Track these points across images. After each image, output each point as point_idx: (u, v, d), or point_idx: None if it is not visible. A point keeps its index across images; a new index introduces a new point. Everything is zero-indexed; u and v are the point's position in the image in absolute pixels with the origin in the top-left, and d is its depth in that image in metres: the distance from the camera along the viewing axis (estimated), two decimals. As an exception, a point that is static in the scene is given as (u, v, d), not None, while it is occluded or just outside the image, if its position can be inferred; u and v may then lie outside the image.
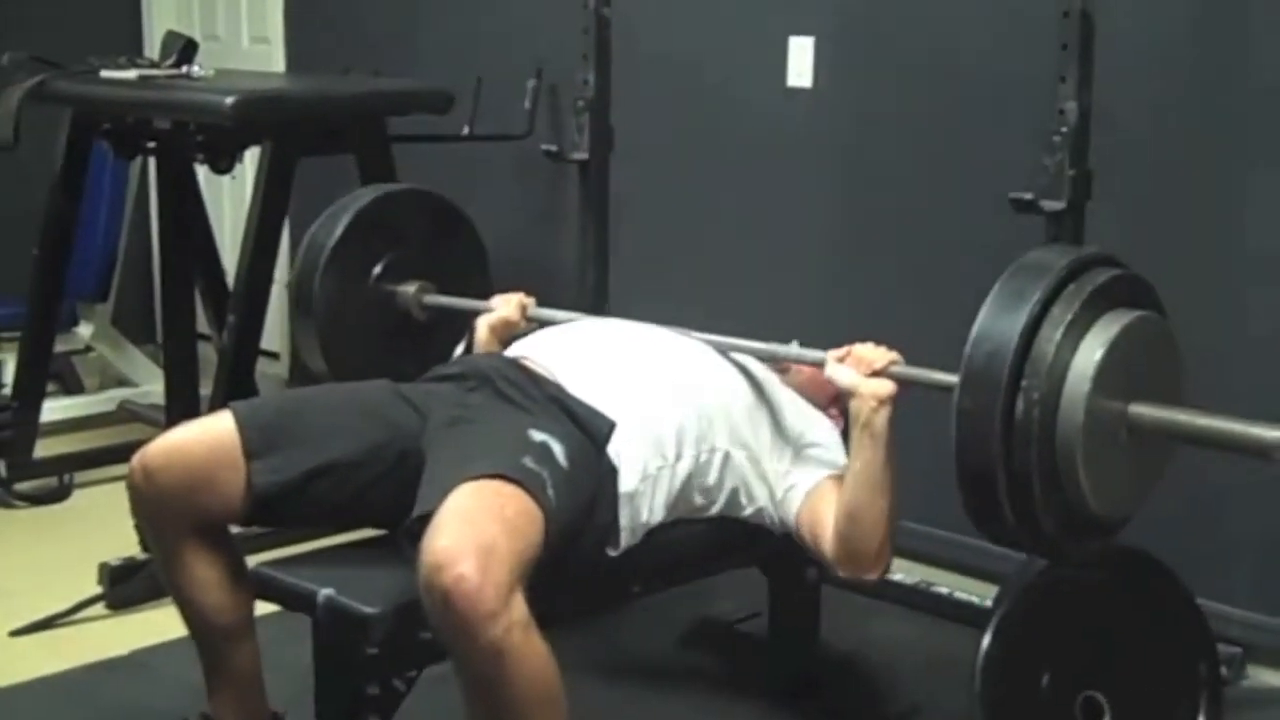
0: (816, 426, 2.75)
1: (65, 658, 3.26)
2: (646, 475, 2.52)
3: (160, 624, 3.21)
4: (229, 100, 3.63)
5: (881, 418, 2.48)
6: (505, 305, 3.05)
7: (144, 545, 3.40)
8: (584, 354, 2.69)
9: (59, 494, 4.34)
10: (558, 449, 2.34)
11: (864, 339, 2.60)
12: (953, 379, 2.26)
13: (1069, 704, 2.49)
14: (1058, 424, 2.18)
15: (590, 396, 2.52)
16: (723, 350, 2.76)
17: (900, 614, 3.45)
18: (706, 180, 4.06)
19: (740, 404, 2.67)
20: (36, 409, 4.36)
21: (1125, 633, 2.54)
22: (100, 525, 3.84)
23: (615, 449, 2.49)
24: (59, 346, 4.59)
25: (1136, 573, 2.60)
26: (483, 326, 3.03)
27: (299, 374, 5.35)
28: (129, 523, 3.27)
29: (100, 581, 3.53)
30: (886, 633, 3.39)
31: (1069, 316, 2.19)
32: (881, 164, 3.72)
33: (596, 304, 3.57)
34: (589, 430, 2.46)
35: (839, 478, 2.60)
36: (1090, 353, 2.18)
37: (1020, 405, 2.16)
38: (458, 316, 3.19)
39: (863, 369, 2.52)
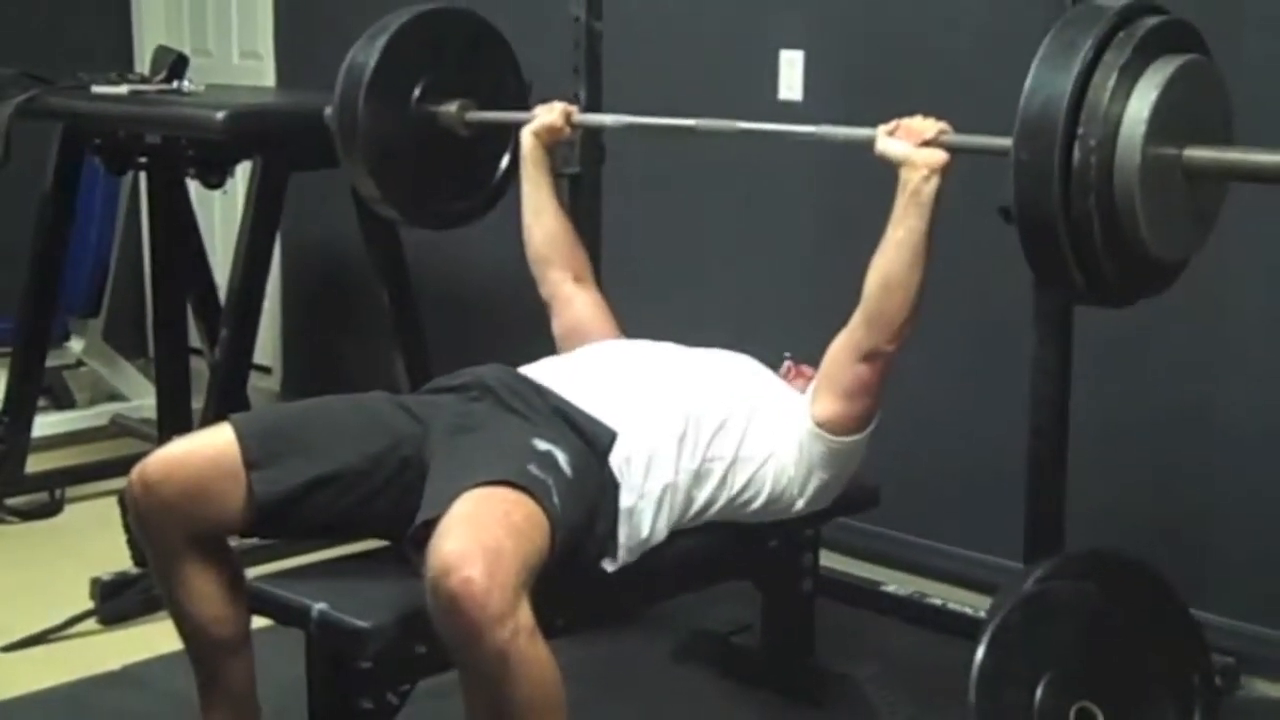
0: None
1: (57, 673, 3.25)
2: (646, 493, 2.52)
3: (152, 638, 3.22)
4: (220, 115, 3.63)
5: (931, 186, 2.53)
6: (549, 112, 3.14)
7: (136, 560, 3.42)
8: (587, 368, 2.71)
9: (50, 509, 4.33)
10: (562, 458, 2.35)
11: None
12: (1006, 142, 2.26)
13: (1063, 715, 2.48)
14: (1115, 169, 2.18)
15: (592, 408, 2.53)
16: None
17: (894, 626, 3.44)
18: (698, 194, 4.06)
19: (742, 413, 2.67)
20: (28, 424, 4.35)
21: (1119, 643, 2.54)
22: (92, 540, 3.84)
23: (617, 462, 2.49)
24: (50, 361, 4.58)
25: (1131, 583, 2.60)
26: (527, 135, 3.13)
27: (292, 385, 5.36)
28: (121, 537, 3.28)
29: (92, 596, 3.52)
30: (880, 644, 3.39)
31: (1121, 62, 2.19)
32: (872, 177, 3.70)
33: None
34: (591, 440, 2.46)
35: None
36: (1144, 98, 2.18)
37: (1077, 153, 2.17)
38: (502, 131, 3.29)
39: (914, 139, 2.56)
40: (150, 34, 5.71)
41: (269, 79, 5.33)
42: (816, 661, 3.15)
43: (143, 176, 4.49)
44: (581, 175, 3.54)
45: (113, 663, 3.29)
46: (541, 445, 2.36)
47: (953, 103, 3.51)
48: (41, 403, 4.56)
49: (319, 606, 2.33)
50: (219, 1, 5.60)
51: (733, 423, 2.64)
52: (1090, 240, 2.20)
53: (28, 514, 4.29)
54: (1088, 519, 2.91)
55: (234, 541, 2.52)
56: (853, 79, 3.74)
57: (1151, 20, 2.26)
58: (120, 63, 5.22)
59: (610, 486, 2.47)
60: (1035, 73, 2.22)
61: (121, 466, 4.04)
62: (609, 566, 2.50)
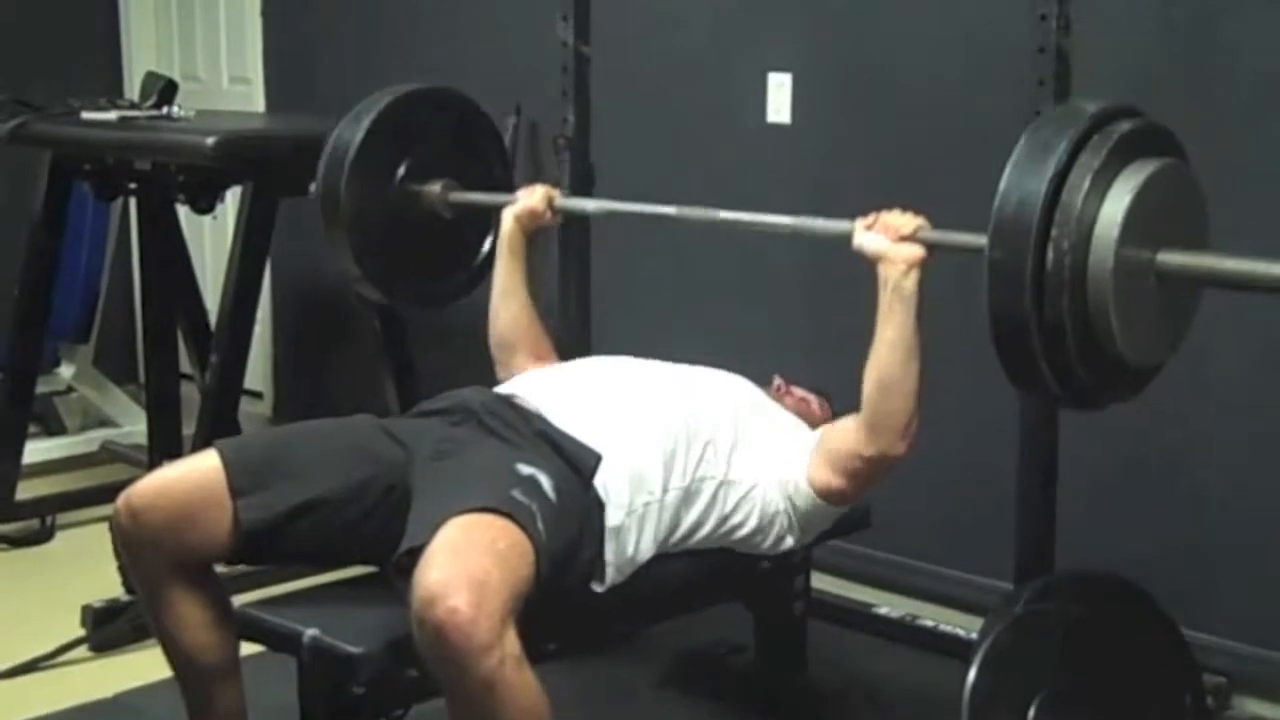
0: (807, 440, 2.76)
1: (48, 701, 3.24)
2: (633, 510, 2.52)
3: (144, 666, 3.21)
4: (210, 141, 3.64)
5: (911, 280, 2.51)
6: (531, 195, 3.11)
7: (127, 587, 3.41)
8: (571, 390, 2.70)
9: (41, 536, 4.32)
10: (546, 482, 2.35)
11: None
12: (981, 239, 2.26)
13: (1055, 735, 2.49)
14: (1089, 272, 2.18)
15: (576, 430, 2.53)
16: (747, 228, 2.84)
17: (886, 647, 3.45)
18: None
19: (729, 432, 2.67)
20: (18, 450, 4.34)
21: (1111, 664, 2.54)
22: (83, 567, 3.83)
23: (602, 483, 2.49)
24: (41, 387, 4.58)
25: (1121, 604, 2.61)
26: (509, 218, 3.10)
27: (283, 411, 5.36)
28: (112, 564, 3.28)
29: (83, 624, 3.52)
30: (872, 666, 3.39)
31: (1096, 165, 2.19)
32: (860, 199, 3.70)
33: (579, 341, 3.57)
34: (575, 464, 2.46)
35: (833, 424, 2.65)
36: (1118, 200, 2.19)
37: (1051, 254, 2.17)
38: (484, 212, 3.27)
39: (891, 235, 2.55)
40: (140, 60, 5.72)
41: (259, 104, 5.34)
42: (809, 683, 3.15)
43: (132, 202, 4.49)
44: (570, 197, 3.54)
45: (104, 691, 3.28)
46: (525, 470, 2.36)
47: (939, 124, 3.54)
48: (32, 429, 4.54)
49: (310, 632, 2.33)
50: (208, 27, 5.61)
51: (722, 442, 2.64)
52: (1063, 343, 2.19)
53: (18, 541, 4.29)
54: (1077, 540, 2.91)
55: (222, 568, 2.51)
56: (841, 102, 3.75)
57: (1127, 124, 2.26)
58: (110, 89, 5.23)
59: (596, 508, 2.47)
60: (1010, 173, 2.22)
61: (112, 493, 4.00)
62: (598, 587, 2.49)
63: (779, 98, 3.83)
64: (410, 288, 3.39)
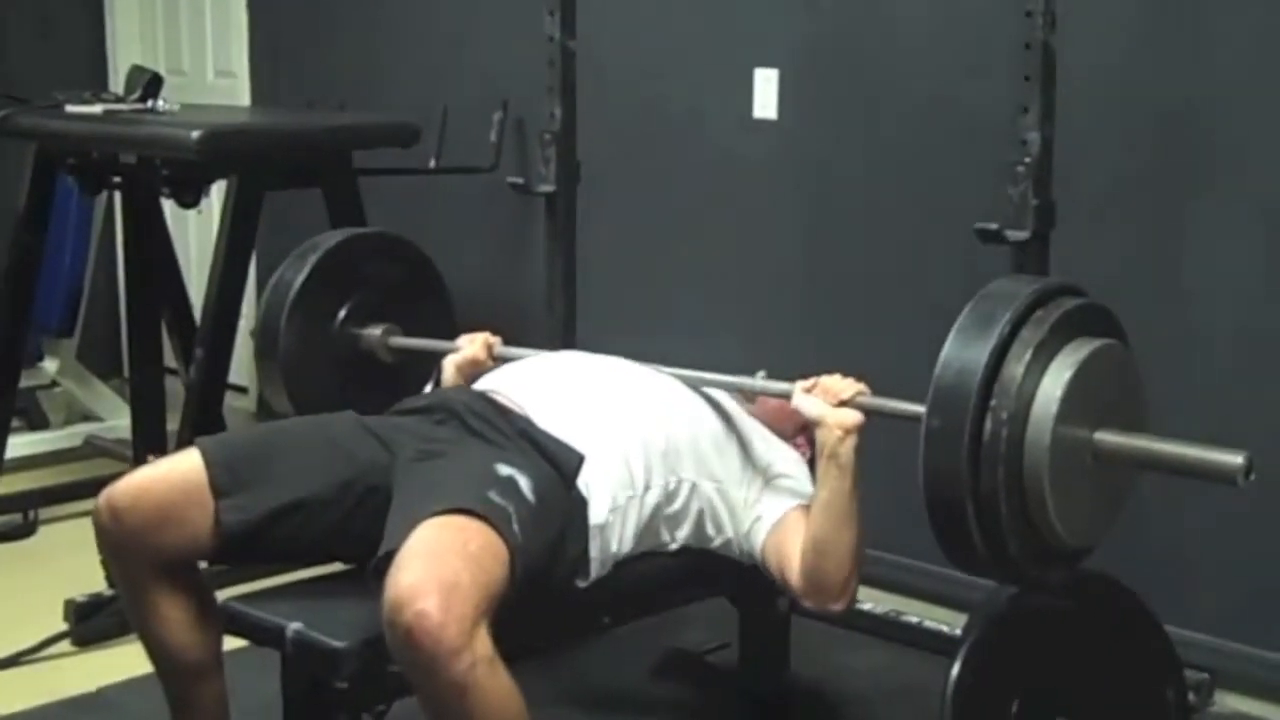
0: (784, 457, 2.76)
1: (31, 695, 3.23)
2: (616, 506, 2.52)
3: (127, 661, 3.19)
4: (194, 134, 3.62)
5: (847, 447, 2.49)
6: (471, 345, 3.04)
7: (110, 581, 3.39)
8: (552, 388, 2.70)
9: (24, 530, 4.31)
10: (525, 483, 2.34)
11: (830, 368, 2.61)
12: (919, 408, 2.27)
13: (1038, 731, 2.49)
14: (1025, 445, 2.19)
15: (559, 429, 2.53)
16: (691, 384, 2.76)
17: (870, 643, 3.45)
18: (673, 212, 4.07)
19: (707, 435, 2.68)
20: (1, 445, 4.32)
21: (1094, 659, 2.55)
22: (66, 561, 3.82)
23: (585, 481, 2.49)
24: (24, 382, 4.56)
25: (1104, 599, 2.61)
26: (449, 367, 3.02)
27: (266, 409, 5.35)
28: (95, 559, 3.25)
29: (66, 618, 3.51)
30: (857, 662, 3.40)
31: (1037, 340, 2.21)
32: (847, 195, 3.74)
33: (564, 336, 3.57)
34: (558, 463, 2.46)
35: (806, 508, 2.61)
36: (1058, 377, 2.20)
37: (989, 425, 2.18)
38: (424, 358, 3.19)
39: (830, 399, 2.53)
40: (125, 53, 5.71)
41: (244, 98, 5.33)
42: (794, 679, 3.15)
43: (117, 196, 4.48)
44: (556, 194, 3.54)
45: (87, 685, 3.28)
46: (504, 471, 2.36)
47: (925, 119, 3.54)
48: (15, 423, 4.53)
49: (294, 627, 2.33)
50: (193, 21, 5.59)
51: (700, 444, 2.65)
52: (996, 515, 2.19)
53: (1, 535, 4.27)
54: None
55: (205, 564, 2.51)
56: (828, 97, 3.75)
57: (1069, 302, 2.28)
58: (95, 82, 5.20)
59: (579, 506, 2.47)
60: (951, 343, 2.23)
61: (96, 487, 3.98)
62: (582, 583, 2.50)
63: (766, 93, 3.83)
64: None
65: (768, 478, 2.70)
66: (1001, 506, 2.19)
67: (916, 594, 3.61)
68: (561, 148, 3.48)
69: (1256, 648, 3.16)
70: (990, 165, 2.92)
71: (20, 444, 4.65)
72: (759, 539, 2.64)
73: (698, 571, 2.75)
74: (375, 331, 3.25)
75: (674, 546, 2.67)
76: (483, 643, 2.08)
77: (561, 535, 2.42)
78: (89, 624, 3.50)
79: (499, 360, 3.03)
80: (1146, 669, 2.64)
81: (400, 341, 3.25)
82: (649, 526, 2.59)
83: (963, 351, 2.22)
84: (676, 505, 2.62)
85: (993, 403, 2.18)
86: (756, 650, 3.08)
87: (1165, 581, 3.01)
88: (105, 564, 3.31)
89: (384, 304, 3.29)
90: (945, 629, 3.35)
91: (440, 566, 2.09)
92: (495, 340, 3.05)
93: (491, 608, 2.13)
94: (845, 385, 2.55)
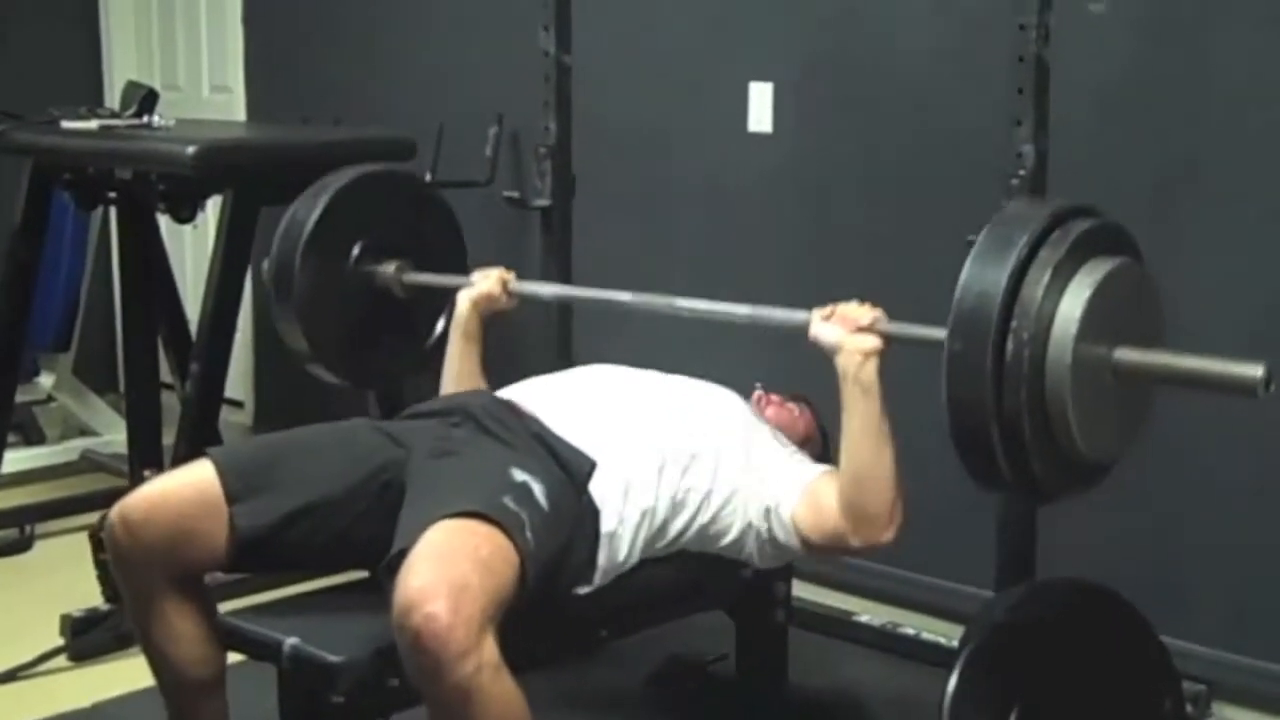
0: (797, 452, 2.77)
1: (28, 710, 3.22)
2: (626, 517, 2.53)
3: (123, 675, 3.20)
4: (190, 150, 3.63)
5: (869, 370, 2.50)
6: (486, 280, 3.07)
7: (106, 596, 3.41)
8: (567, 397, 2.71)
9: (21, 545, 4.30)
10: (538, 489, 2.35)
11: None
12: (939, 333, 2.28)
13: (1035, 743, 2.49)
14: (1047, 365, 2.20)
15: (572, 436, 2.53)
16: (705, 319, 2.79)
17: (868, 655, 3.45)
18: (669, 226, 4.08)
19: (721, 438, 2.68)
20: (-3, 460, 4.33)
21: (1091, 671, 2.55)
22: (62, 576, 3.82)
23: (595, 489, 2.49)
24: (20, 396, 4.56)
25: (1102, 611, 2.61)
26: (464, 300, 3.06)
27: (264, 420, 5.35)
28: (91, 573, 3.27)
29: (62, 633, 3.50)
30: (854, 674, 3.40)
31: (1055, 260, 2.21)
32: (842, 209, 3.74)
33: (560, 350, 3.57)
34: (570, 469, 2.47)
35: (832, 473, 2.61)
36: (1077, 296, 2.21)
37: (1010, 346, 2.19)
38: (439, 294, 3.23)
39: (848, 326, 2.54)
40: (120, 69, 5.72)
41: (240, 113, 5.33)
42: (790, 691, 3.15)
43: (113, 211, 4.48)
44: (551, 208, 3.55)
45: (83, 700, 3.27)
46: (519, 476, 2.36)
47: (921, 132, 3.55)
48: (11, 438, 4.53)
49: (291, 641, 2.33)
50: (189, 36, 5.60)
51: (707, 456, 2.64)
52: (1020, 435, 2.20)
53: (-3, 550, 4.28)
54: (1057, 548, 2.92)
55: (205, 577, 2.50)
56: (823, 111, 3.76)
57: (1085, 223, 2.29)
58: (90, 98, 5.21)
59: (590, 513, 2.48)
60: (970, 267, 2.24)
61: (92, 502, 4.03)
62: (583, 590, 2.50)
63: (760, 107, 3.84)
64: (359, 367, 3.37)
65: (785, 466, 2.70)
66: (1025, 426, 2.20)
67: (914, 606, 3.61)
68: (557, 162, 3.48)
69: (1254, 659, 3.16)
70: (986, 178, 2.93)
71: (17, 459, 4.65)
72: (787, 512, 2.62)
73: (696, 584, 2.76)
74: (389, 268, 3.27)
75: (680, 544, 2.65)
76: (489, 647, 2.08)
77: (570, 541, 2.42)
78: (85, 639, 3.49)
79: (513, 296, 3.06)
80: (1144, 680, 2.64)
81: (414, 277, 3.27)
82: (659, 533, 2.59)
83: (982, 274, 2.23)
84: (684, 514, 2.62)
85: (1013, 324, 2.19)
86: (754, 662, 3.08)
87: (1163, 593, 3.01)
88: (102, 578, 3.33)
89: (397, 241, 3.31)
90: (942, 641, 3.35)
91: (450, 570, 2.09)
92: (510, 275, 3.08)
93: (500, 613, 2.13)
94: (863, 312, 2.56)
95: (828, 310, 2.60)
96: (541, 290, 3.20)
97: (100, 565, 3.39)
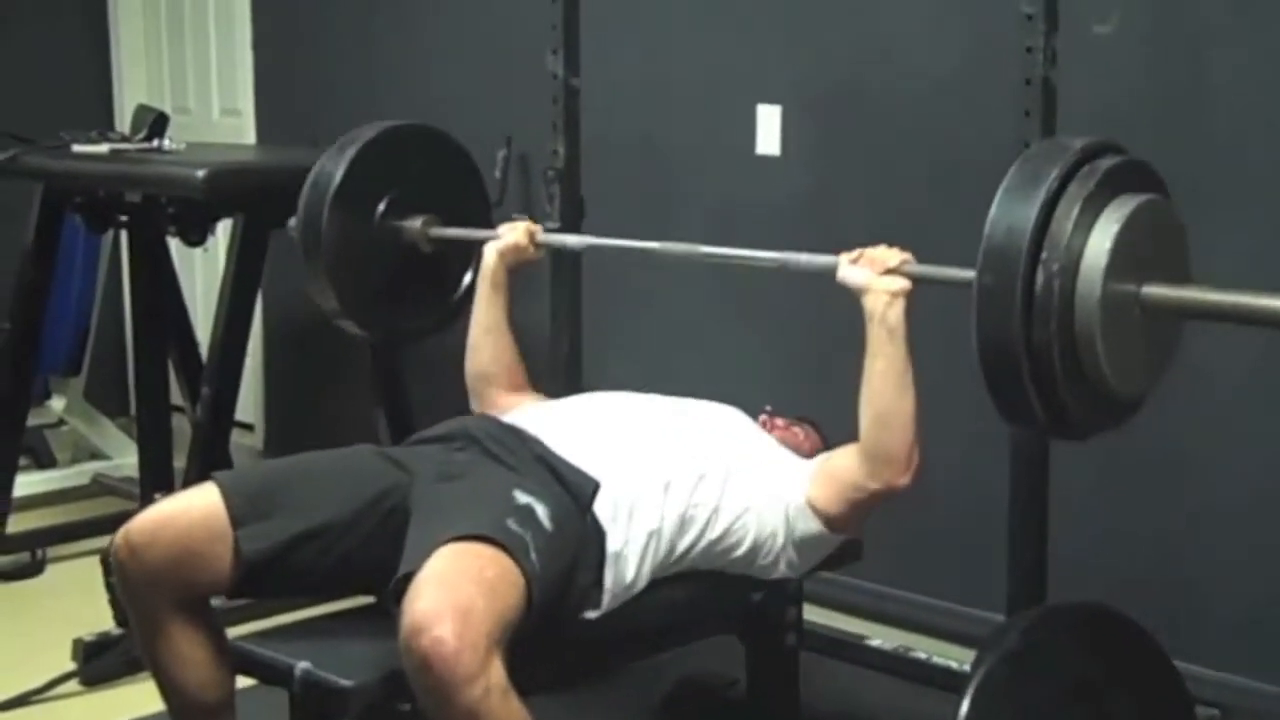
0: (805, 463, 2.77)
1: (39, 735, 3.24)
2: (632, 538, 2.52)
3: (135, 700, 3.20)
4: (200, 173, 3.65)
5: (896, 310, 2.52)
6: (513, 231, 3.12)
7: (118, 620, 3.41)
8: (570, 421, 2.71)
9: (32, 569, 4.31)
10: (541, 511, 2.35)
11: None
12: (966, 273, 2.28)
13: (1048, 768, 2.49)
14: (1076, 299, 2.19)
15: (576, 458, 2.54)
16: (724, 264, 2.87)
17: (879, 679, 3.43)
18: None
19: (730, 455, 2.68)
20: (9, 484, 4.33)
21: (1103, 695, 2.54)
22: (74, 600, 3.83)
23: (600, 510, 2.49)
24: (31, 420, 4.57)
25: (1113, 635, 2.61)
26: (491, 253, 3.11)
27: (274, 443, 5.35)
28: (103, 598, 3.27)
29: (74, 658, 3.51)
30: (866, 698, 3.39)
31: (1085, 195, 2.21)
32: (850, 231, 3.72)
33: (569, 372, 3.57)
34: (573, 491, 2.47)
35: (832, 453, 2.65)
36: (1105, 232, 2.20)
37: (1040, 278, 2.18)
38: (465, 248, 3.29)
39: (876, 268, 2.56)
40: (131, 93, 5.73)
41: (249, 136, 5.35)
42: (801, 716, 3.14)
43: (124, 235, 4.50)
44: (561, 229, 3.55)
45: (95, 725, 3.28)
46: (522, 499, 2.36)
47: (928, 154, 3.55)
48: (22, 462, 4.55)
49: (302, 665, 2.32)
50: (199, 60, 5.62)
51: (715, 472, 2.64)
52: (1050, 368, 2.20)
53: (9, 574, 4.28)
54: (1069, 572, 2.91)
55: (216, 601, 2.50)
56: (831, 134, 3.76)
57: (1113, 159, 2.29)
58: (101, 122, 5.24)
59: (594, 535, 2.47)
60: (1000, 201, 2.24)
61: (104, 526, 4.03)
62: (592, 614, 2.49)
63: (768, 129, 3.85)
64: (387, 322, 3.41)
65: (793, 469, 2.71)
66: (1055, 359, 2.19)
67: (925, 630, 3.60)
68: (565, 184, 3.49)
69: (1266, 683, 3.15)
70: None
71: (28, 483, 4.67)
72: (802, 499, 2.65)
73: (706, 608, 2.75)
74: (415, 223, 3.30)
75: (688, 561, 2.64)
76: (497, 670, 2.09)
77: (575, 562, 2.42)
78: (97, 663, 3.50)
79: (540, 247, 3.10)
80: (1156, 705, 2.63)
81: (441, 231, 3.30)
82: (665, 555, 2.58)
83: (1011, 209, 2.22)
84: (691, 532, 2.61)
85: (1043, 256, 2.19)
86: (764, 685, 3.07)
87: (1174, 617, 3.01)
88: (113, 603, 3.33)
89: (423, 196, 3.34)
90: (954, 665, 3.33)
91: (456, 593, 2.10)
92: (537, 228, 3.10)
93: (506, 636, 2.14)
94: (891, 254, 2.58)
95: (855, 253, 2.62)
96: (568, 240, 3.25)
97: (111, 589, 3.39)
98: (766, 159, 3.85)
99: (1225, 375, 3.16)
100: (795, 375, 3.78)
